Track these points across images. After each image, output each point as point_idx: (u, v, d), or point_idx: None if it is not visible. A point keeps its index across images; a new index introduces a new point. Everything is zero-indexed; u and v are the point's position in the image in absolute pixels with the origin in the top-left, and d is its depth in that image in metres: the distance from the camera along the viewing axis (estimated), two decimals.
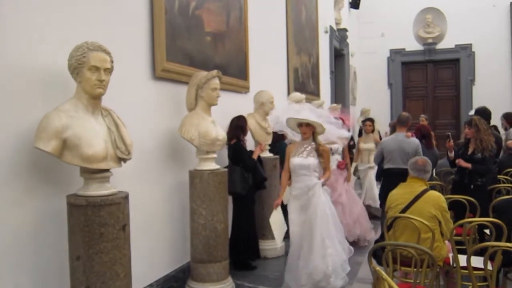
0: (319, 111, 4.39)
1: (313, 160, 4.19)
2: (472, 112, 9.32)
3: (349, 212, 6.05)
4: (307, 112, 4.26)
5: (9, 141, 2.50)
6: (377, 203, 7.20)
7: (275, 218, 4.31)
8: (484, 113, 5.96)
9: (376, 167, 7.51)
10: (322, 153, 4.23)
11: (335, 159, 6.19)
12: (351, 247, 4.39)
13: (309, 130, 4.22)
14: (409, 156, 5.27)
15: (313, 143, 4.27)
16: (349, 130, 7.24)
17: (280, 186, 4.57)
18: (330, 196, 5.63)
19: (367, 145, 7.83)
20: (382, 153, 5.83)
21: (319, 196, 4.13)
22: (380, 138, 10.13)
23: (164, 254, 3.99)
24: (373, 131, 8.05)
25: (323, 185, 4.20)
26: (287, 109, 4.47)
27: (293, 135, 4.59)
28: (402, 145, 5.59)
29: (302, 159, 4.20)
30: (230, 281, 4.09)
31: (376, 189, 7.47)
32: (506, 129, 7.69)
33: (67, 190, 2.75)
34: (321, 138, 4.34)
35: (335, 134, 4.50)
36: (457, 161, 5.21)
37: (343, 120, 5.55)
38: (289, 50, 7.53)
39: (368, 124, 8.00)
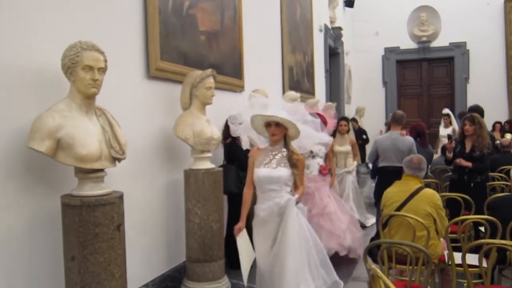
0: (294, 108, 3.43)
1: (284, 171, 3.26)
2: (446, 111, 9.42)
3: (337, 221, 5.29)
4: (277, 108, 3.28)
5: (2, 141, 2.49)
6: (355, 213, 6.59)
7: (241, 246, 3.43)
8: (477, 111, 5.98)
9: (354, 172, 7.19)
10: (296, 163, 3.29)
11: (317, 163, 5.46)
12: (340, 282, 3.31)
13: (279, 131, 3.26)
14: (403, 154, 5.30)
15: (284, 149, 3.33)
16: (331, 134, 6.41)
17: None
18: (310, 210, 4.97)
19: (343, 147, 7.02)
20: (377, 151, 5.85)
21: (294, 218, 3.17)
22: (360, 139, 9.70)
23: (159, 253, 3.98)
24: (348, 131, 7.21)
25: (297, 202, 3.22)
26: (251, 105, 3.43)
27: (259, 142, 3.71)
28: (396, 143, 5.62)
29: (270, 170, 3.27)
30: (226, 280, 4.08)
31: (351, 197, 7.00)
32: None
33: (61, 190, 2.74)
34: (295, 145, 3.40)
35: (312, 139, 3.47)
36: (458, 160, 5.18)
37: (323, 119, 4.94)
38: (283, 48, 7.53)
39: (343, 124, 7.06)
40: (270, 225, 3.24)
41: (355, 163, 7.13)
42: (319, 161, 5.47)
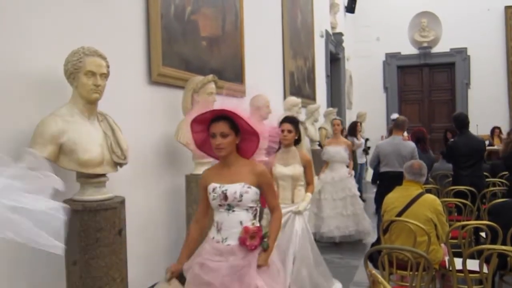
0: None
1: None
2: (395, 116, 9.03)
3: None
4: None
5: (5, 146, 2.50)
6: None
7: None
8: (459, 118, 5.96)
9: (307, 213, 4.09)
10: None
11: (237, 222, 2.53)
12: None
13: None
14: (405, 159, 5.30)
15: None
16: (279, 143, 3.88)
17: None
18: None
19: (289, 168, 4.07)
20: (378, 156, 5.84)
21: None
22: (319, 145, 7.46)
23: (160, 258, 3.98)
24: (298, 141, 4.18)
25: None
26: None
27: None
28: (398, 148, 5.62)
29: None
30: None
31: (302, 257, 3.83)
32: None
33: (63, 195, 2.74)
34: None
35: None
36: None
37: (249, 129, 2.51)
38: (284, 54, 7.55)
39: (285, 129, 4.03)
40: None
41: (309, 196, 4.05)
42: (243, 217, 2.54)
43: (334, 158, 6.27)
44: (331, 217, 6.09)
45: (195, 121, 2.57)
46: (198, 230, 2.72)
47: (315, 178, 5.37)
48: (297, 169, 4.10)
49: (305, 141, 5.43)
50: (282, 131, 4.03)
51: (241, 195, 2.51)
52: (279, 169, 4.11)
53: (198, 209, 2.76)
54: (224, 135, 2.50)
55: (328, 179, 6.22)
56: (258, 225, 2.59)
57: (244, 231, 2.52)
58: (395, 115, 9.06)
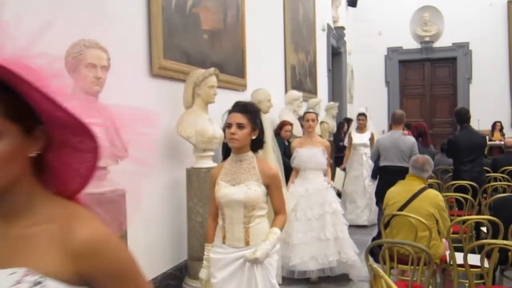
0: None
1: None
2: (362, 110, 8.75)
3: None
4: None
5: None
6: None
7: None
8: (459, 112, 5.92)
9: (274, 261, 2.70)
10: None
11: None
12: None
13: None
14: (404, 154, 5.29)
15: None
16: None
17: None
18: None
19: (239, 190, 2.56)
20: (378, 150, 5.83)
21: None
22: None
23: (161, 252, 3.98)
24: (258, 143, 2.67)
25: None
26: None
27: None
28: (397, 143, 5.60)
29: None
30: None
31: None
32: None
33: None
34: None
35: None
36: None
37: None
38: (286, 48, 7.53)
39: (234, 122, 2.57)
40: None
41: (276, 233, 2.59)
42: None
43: (308, 164, 4.72)
44: (304, 243, 4.56)
45: None
46: None
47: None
48: (253, 190, 2.55)
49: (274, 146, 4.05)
50: (229, 125, 2.58)
51: None
52: (224, 189, 2.60)
53: None
54: None
55: (301, 191, 4.69)
56: None
57: None
58: (361, 109, 8.68)
